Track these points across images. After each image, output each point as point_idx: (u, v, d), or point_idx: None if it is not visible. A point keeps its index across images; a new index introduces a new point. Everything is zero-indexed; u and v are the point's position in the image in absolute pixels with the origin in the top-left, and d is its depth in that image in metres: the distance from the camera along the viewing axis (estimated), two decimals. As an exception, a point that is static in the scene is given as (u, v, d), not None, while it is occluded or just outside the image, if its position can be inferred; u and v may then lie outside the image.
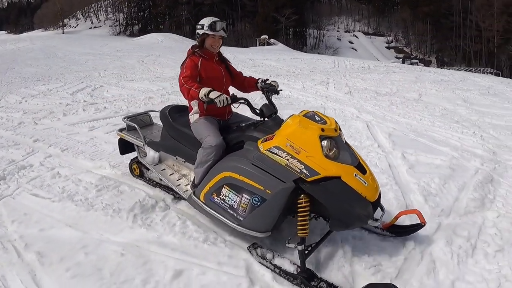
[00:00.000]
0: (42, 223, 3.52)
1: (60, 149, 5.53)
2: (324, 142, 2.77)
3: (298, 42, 69.28)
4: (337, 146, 2.82)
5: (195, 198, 3.35)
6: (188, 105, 3.65)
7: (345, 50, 69.94)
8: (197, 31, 3.56)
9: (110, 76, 13.16)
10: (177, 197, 4.01)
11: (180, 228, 3.44)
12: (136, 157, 4.46)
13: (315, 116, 2.93)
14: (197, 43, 3.60)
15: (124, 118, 4.52)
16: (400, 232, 3.42)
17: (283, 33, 65.38)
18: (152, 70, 15.28)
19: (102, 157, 5.18)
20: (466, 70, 42.15)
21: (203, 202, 3.26)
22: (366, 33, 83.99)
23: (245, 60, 20.44)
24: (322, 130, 2.80)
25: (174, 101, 8.88)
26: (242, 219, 3.00)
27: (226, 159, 3.18)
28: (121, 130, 4.58)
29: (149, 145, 4.17)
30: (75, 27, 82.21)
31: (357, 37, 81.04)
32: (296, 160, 2.74)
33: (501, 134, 8.06)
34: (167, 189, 4.12)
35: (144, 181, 4.40)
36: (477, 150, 6.35)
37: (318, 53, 50.45)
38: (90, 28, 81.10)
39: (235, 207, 3.03)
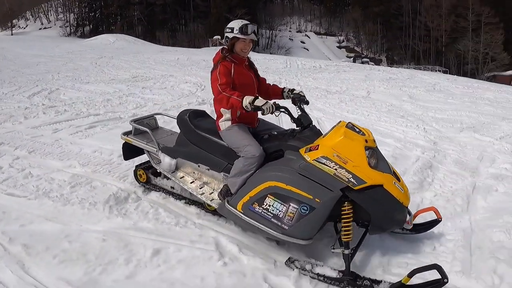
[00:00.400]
0: (22, 219, 3.65)
1: (27, 151, 5.62)
2: (367, 153, 2.98)
3: (251, 42, 69.99)
4: (376, 156, 3.06)
5: (230, 207, 3.27)
6: (214, 110, 3.57)
7: (297, 50, 71.27)
8: (226, 34, 3.44)
9: (64, 79, 13.11)
10: (148, 188, 4.29)
11: (153, 215, 3.79)
12: (144, 163, 4.48)
13: (355, 127, 3.11)
14: (226, 47, 3.47)
15: (131, 121, 4.39)
16: (420, 229, 3.63)
17: (235, 33, 65.64)
18: (106, 72, 15.28)
19: (70, 157, 5.36)
20: (415, 68, 43.69)
21: (241, 212, 3.21)
22: (317, 33, 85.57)
23: (198, 61, 20.69)
24: (366, 141, 3.02)
25: (132, 103, 9.11)
26: (287, 227, 3.02)
27: (269, 169, 3.17)
28: (125, 134, 4.43)
29: (164, 151, 4.02)
30: (24, 28, 79.39)
31: (309, 37, 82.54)
32: (344, 170, 2.89)
33: (443, 126, 8.78)
34: (179, 197, 4.11)
35: (152, 189, 4.31)
36: (419, 141, 6.97)
37: (271, 53, 51.12)
38: (40, 29, 78.58)
39: (281, 216, 3.03)
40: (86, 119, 7.45)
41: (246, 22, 3.41)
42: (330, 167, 2.92)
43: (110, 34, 51.37)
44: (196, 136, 3.73)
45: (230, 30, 3.40)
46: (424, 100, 12.69)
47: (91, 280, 2.88)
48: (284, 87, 3.84)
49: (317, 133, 3.27)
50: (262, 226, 3.11)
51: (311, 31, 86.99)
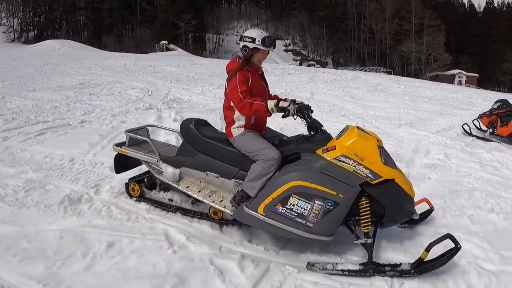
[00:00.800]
0: (-21, 224, 3.71)
1: (-24, 159, 5.60)
2: (380, 151, 3.28)
3: (198, 47, 70.45)
4: (385, 154, 3.36)
5: (250, 211, 3.36)
6: (222, 119, 3.80)
7: (244, 54, 71.52)
8: (245, 43, 3.48)
9: (10, 87, 12.83)
10: (141, 202, 4.27)
11: (106, 213, 4.05)
12: (135, 176, 4.40)
13: (364, 130, 3.44)
14: (244, 56, 3.53)
15: (127, 131, 4.29)
16: (416, 221, 3.94)
17: (182, 38, 65.73)
18: (52, 79, 15.03)
19: (22, 163, 5.43)
20: (360, 70, 45.27)
21: (262, 215, 3.31)
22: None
23: (145, 66, 20.66)
24: (377, 140, 3.36)
25: (80, 109, 9.11)
26: (312, 225, 3.21)
27: (291, 170, 3.31)
28: (118, 145, 4.31)
29: (166, 161, 3.94)
30: (-35, 34, 75.62)
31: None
32: (362, 166, 3.16)
33: (382, 123, 9.41)
34: (180, 210, 4.11)
35: (148, 203, 4.25)
36: None
37: (218, 58, 51.37)
38: (-18, 35, 75.04)
39: (305, 214, 3.21)
40: (35, 126, 7.45)
41: (267, 34, 3.52)
42: (349, 164, 3.17)
43: (55, 40, 50.18)
44: (204, 144, 3.75)
45: (250, 40, 3.45)
46: (365, 100, 13.37)
47: (52, 274, 3.08)
48: (286, 98, 3.78)
49: (329, 137, 3.48)
50: (286, 226, 3.26)
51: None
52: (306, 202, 3.19)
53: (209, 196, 3.73)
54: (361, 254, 3.54)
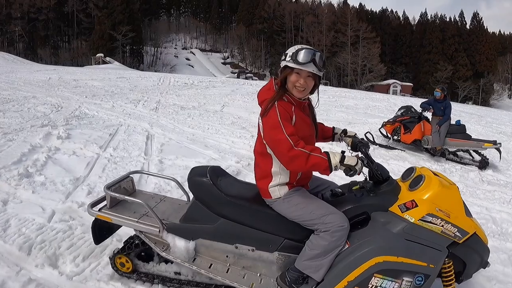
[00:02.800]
0: None
1: None
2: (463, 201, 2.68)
3: (135, 60, 69.27)
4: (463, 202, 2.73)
5: None
6: (254, 169, 2.77)
7: (182, 67, 71.76)
8: (281, 62, 2.55)
9: None
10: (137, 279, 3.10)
11: None
12: (121, 248, 3.09)
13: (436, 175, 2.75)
14: (279, 79, 2.56)
15: (106, 187, 3.02)
16: None
17: (119, 51, 64.62)
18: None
19: None
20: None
21: None
22: (203, 50, 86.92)
23: (69, 81, 20.13)
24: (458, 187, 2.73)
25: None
26: None
27: (369, 241, 2.52)
28: (94, 205, 3.07)
29: (173, 231, 2.86)
30: None
31: (194, 54, 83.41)
32: (450, 225, 2.51)
33: None
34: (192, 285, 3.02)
35: (145, 280, 3.07)
36: (242, 150, 7.50)
37: (156, 71, 51.15)
38: None
39: None
40: None
41: (305, 46, 2.49)
42: (437, 224, 2.50)
43: (-11, 51, 47.91)
44: (230, 206, 2.74)
45: (284, 57, 2.53)
46: None
47: None
48: (334, 127, 3.15)
49: (397, 187, 2.72)
50: None
51: (196, 48, 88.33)
52: (392, 281, 2.50)
53: (243, 277, 2.76)
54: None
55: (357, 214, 2.65)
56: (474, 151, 9.11)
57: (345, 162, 2.39)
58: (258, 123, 2.59)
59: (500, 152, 8.90)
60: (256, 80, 51.47)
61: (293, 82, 2.47)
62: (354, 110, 15.56)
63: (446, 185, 2.63)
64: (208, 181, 2.76)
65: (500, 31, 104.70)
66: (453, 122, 9.28)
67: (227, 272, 2.78)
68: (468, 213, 2.68)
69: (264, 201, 2.73)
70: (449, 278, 2.66)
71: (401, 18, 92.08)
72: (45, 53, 66.94)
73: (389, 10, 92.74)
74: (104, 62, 51.17)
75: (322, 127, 3.07)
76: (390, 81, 64.39)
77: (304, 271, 2.55)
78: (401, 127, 9.41)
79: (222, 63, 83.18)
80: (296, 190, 2.63)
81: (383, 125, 9.98)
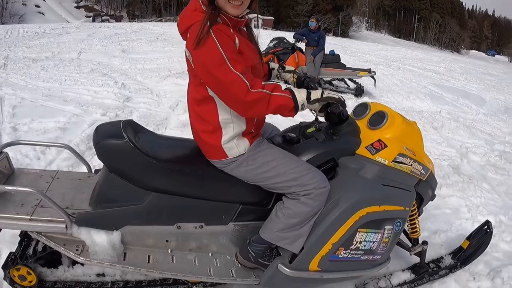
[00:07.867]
0: None
1: None
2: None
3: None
4: None
5: (297, 273, 2.06)
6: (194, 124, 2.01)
7: (32, 16, 62.78)
8: None
9: None
10: None
11: None
12: (19, 255, 2.06)
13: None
14: None
15: None
16: None
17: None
18: None
19: None
20: (156, 21, 44.34)
21: (317, 271, 2.10)
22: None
23: None
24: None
25: None
26: (380, 257, 2.26)
27: (349, 194, 2.03)
28: None
29: (85, 222, 1.94)
30: None
31: (44, 0, 73.43)
32: (417, 163, 2.26)
33: (147, 77, 8.67)
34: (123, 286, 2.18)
35: None
36: (107, 100, 6.55)
37: (3, 23, 43.41)
38: None
39: (374, 248, 2.19)
40: None
41: None
42: (407, 164, 2.21)
43: None
44: (162, 175, 1.95)
45: None
46: (137, 52, 12.66)
47: None
48: (268, 62, 2.45)
49: (357, 126, 2.27)
50: (350, 273, 2.24)
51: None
52: (376, 232, 2.16)
53: (194, 262, 2.07)
54: (400, 262, 2.96)
55: (323, 163, 2.14)
56: (349, 79, 9.36)
57: (312, 98, 1.87)
58: (187, 59, 1.86)
59: (374, 80, 9.15)
60: (113, 22, 47.60)
61: None
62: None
63: (409, 122, 2.39)
64: (127, 143, 1.88)
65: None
66: (327, 52, 9.27)
67: (172, 261, 2.05)
68: None
69: (207, 160, 2.03)
70: (416, 218, 2.53)
71: None
72: None
73: None
74: None
75: None
76: (252, 15, 63.85)
77: (278, 243, 2.03)
78: (275, 58, 9.00)
79: (76, 7, 75.17)
80: (261, 143, 2.02)
81: None
